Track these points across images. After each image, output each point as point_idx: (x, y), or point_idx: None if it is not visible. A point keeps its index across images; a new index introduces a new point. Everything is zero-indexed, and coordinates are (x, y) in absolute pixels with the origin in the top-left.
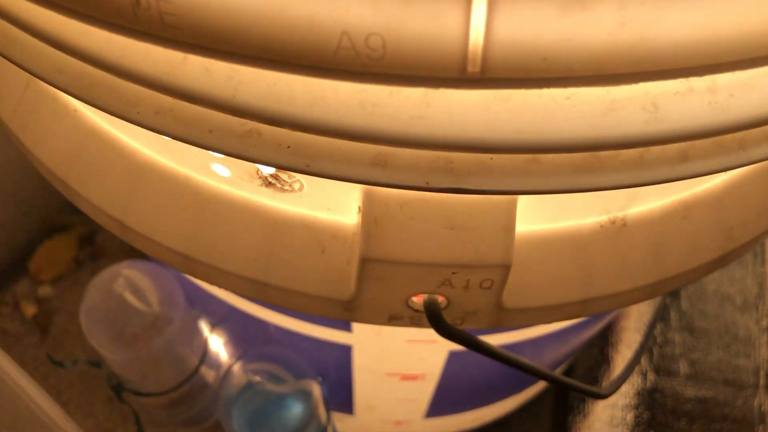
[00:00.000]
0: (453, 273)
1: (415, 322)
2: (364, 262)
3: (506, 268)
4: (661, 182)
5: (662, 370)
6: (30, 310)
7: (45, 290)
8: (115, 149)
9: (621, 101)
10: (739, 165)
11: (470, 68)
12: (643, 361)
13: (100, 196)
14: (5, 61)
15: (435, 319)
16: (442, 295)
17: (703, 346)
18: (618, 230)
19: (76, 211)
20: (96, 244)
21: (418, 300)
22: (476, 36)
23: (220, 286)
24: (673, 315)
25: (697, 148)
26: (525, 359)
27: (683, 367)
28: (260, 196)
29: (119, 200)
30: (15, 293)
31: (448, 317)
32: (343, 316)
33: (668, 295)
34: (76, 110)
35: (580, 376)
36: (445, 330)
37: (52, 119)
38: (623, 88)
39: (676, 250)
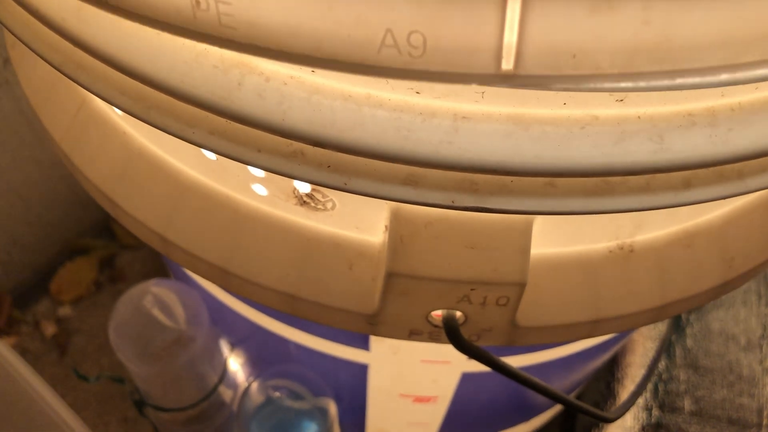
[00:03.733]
0: (472, 289)
1: (433, 338)
2: (390, 276)
3: (521, 286)
4: (666, 207)
5: (667, 406)
6: (50, 329)
7: (65, 311)
8: (160, 169)
9: (630, 132)
10: (738, 193)
11: (504, 65)
12: (648, 396)
13: (143, 212)
14: (58, 85)
15: (453, 334)
16: (461, 311)
17: (707, 384)
18: (626, 256)
19: (97, 235)
20: (116, 267)
21: (437, 316)
22: (510, 34)
23: (252, 298)
24: (678, 352)
25: (699, 177)
26: (535, 378)
27: (688, 404)
28: (294, 214)
29: (162, 216)
30: (36, 313)
31: (465, 333)
32: (366, 330)
33: (674, 331)
34: (125, 132)
35: None
36: (462, 345)
37: (101, 140)
38: (632, 120)
39: (679, 277)
